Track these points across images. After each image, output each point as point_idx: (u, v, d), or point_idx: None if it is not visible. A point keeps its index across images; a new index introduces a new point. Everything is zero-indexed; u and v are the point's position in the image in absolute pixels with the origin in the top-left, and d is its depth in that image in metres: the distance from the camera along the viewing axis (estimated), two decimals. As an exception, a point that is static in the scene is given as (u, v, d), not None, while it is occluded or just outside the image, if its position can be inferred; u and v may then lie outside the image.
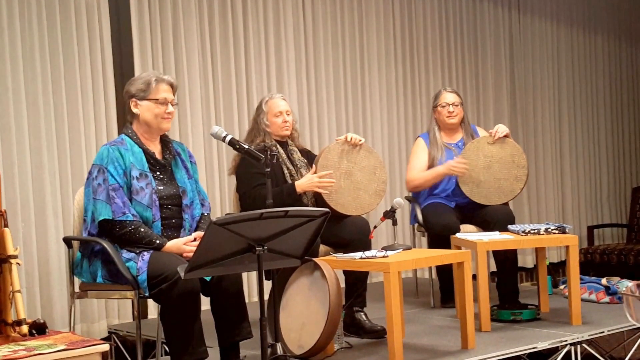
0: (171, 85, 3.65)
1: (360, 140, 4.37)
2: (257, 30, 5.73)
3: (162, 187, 3.57)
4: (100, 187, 3.45)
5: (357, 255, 3.73)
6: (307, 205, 4.27)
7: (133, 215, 3.44)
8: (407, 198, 5.21)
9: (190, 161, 3.78)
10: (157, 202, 3.51)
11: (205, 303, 3.39)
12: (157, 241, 3.43)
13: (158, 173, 3.59)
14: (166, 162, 3.63)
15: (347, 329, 4.05)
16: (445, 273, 4.68)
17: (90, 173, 3.53)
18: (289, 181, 4.29)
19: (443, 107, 4.97)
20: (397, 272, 3.52)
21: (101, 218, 3.43)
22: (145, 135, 3.62)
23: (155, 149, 3.64)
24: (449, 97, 4.98)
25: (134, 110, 3.60)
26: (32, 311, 4.50)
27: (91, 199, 3.48)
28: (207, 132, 5.30)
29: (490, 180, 4.77)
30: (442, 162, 4.88)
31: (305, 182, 4.24)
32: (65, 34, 4.82)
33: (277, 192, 4.15)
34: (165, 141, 3.69)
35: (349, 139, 4.36)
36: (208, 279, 3.40)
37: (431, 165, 4.93)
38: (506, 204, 4.86)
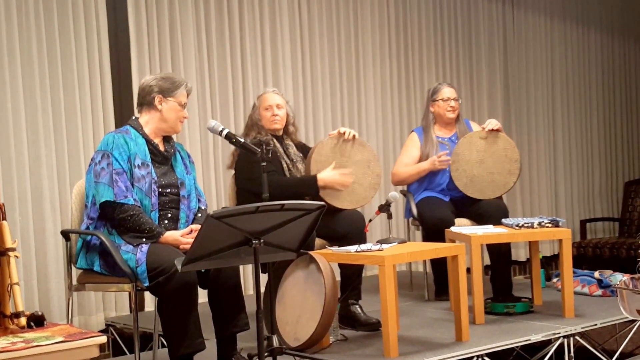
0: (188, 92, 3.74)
1: (352, 135, 4.37)
2: (252, 24, 5.74)
3: (162, 177, 3.60)
4: (103, 171, 3.47)
5: (353, 248, 3.75)
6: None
7: (135, 200, 3.47)
8: (401, 192, 5.23)
9: (189, 160, 3.81)
10: (157, 192, 3.54)
11: (202, 295, 3.42)
12: (157, 230, 3.46)
13: (159, 164, 3.62)
14: (168, 154, 3.67)
15: (342, 321, 4.07)
16: (439, 266, 4.70)
17: (92, 159, 3.56)
18: (288, 175, 4.29)
19: (445, 101, 4.98)
20: (392, 265, 3.54)
21: (103, 200, 3.45)
22: (154, 130, 3.65)
23: (159, 142, 3.67)
24: (449, 92, 5.00)
25: (158, 105, 3.62)
26: (30, 304, 4.52)
27: (93, 183, 3.50)
28: (204, 126, 5.31)
29: (483, 174, 4.80)
30: (436, 157, 4.91)
31: (328, 175, 4.19)
32: (63, 27, 4.83)
33: (296, 181, 4.14)
34: (166, 137, 3.72)
35: (341, 133, 4.36)
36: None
37: (424, 160, 4.95)
38: (500, 197, 4.88)
